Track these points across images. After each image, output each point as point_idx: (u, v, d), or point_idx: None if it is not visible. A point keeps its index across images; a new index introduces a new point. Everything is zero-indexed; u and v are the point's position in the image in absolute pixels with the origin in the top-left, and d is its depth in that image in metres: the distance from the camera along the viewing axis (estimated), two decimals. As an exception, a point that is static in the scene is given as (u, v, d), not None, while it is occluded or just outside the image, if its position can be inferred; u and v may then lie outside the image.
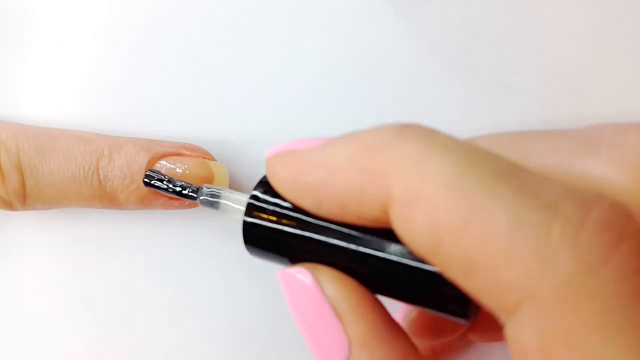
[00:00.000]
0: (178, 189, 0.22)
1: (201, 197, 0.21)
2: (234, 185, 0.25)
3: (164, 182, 0.23)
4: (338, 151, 0.15)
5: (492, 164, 0.13)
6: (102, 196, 0.23)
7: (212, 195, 0.21)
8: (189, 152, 0.24)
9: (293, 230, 0.16)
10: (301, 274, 0.16)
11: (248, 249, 0.18)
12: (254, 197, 0.17)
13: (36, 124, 0.25)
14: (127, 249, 0.26)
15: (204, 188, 0.21)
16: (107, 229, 0.26)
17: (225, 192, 0.20)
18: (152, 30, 0.25)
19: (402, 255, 0.15)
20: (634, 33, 0.25)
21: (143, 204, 0.24)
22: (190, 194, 0.22)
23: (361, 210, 0.15)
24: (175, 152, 0.23)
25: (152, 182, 0.23)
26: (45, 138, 0.23)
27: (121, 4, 0.25)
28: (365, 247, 0.15)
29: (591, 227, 0.12)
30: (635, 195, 0.14)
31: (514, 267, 0.12)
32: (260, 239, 0.17)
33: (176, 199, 0.23)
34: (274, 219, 0.17)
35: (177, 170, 0.23)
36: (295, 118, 0.26)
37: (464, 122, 0.25)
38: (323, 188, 0.15)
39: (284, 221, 0.17)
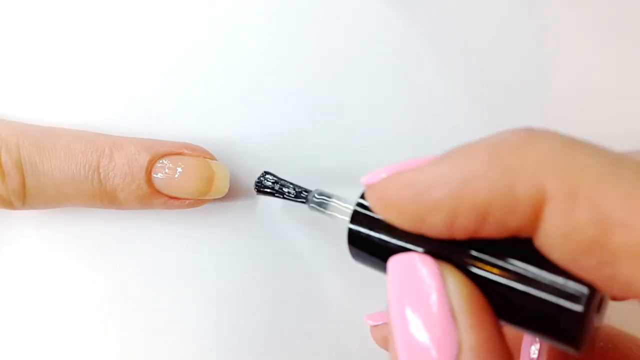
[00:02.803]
0: (291, 193, 0.23)
1: (311, 205, 0.22)
2: (234, 185, 0.25)
3: (277, 187, 0.24)
4: (470, 158, 0.14)
5: (635, 162, 0.13)
6: (102, 195, 0.23)
7: (321, 204, 0.22)
8: (190, 152, 0.24)
9: (399, 242, 0.16)
10: (427, 264, 0.15)
11: (352, 254, 0.18)
12: (360, 204, 0.17)
13: (37, 124, 0.24)
14: (127, 249, 0.26)
15: (315, 195, 0.22)
16: (108, 229, 0.26)
17: (334, 201, 0.21)
18: (153, 31, 0.25)
19: (525, 280, 0.14)
20: (635, 34, 0.25)
21: (143, 203, 0.23)
22: (300, 200, 0.23)
23: (507, 217, 0.14)
24: (176, 151, 0.23)
25: (264, 188, 0.24)
26: (47, 136, 0.23)
27: (123, 4, 0.25)
28: (488, 265, 0.15)
29: None
30: None
31: None
32: (363, 246, 0.17)
33: (175, 198, 0.24)
34: (380, 229, 0.16)
35: (178, 169, 0.23)
36: (295, 118, 0.26)
37: (464, 122, 0.25)
38: (460, 198, 0.14)
39: (391, 232, 0.16)
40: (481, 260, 0.15)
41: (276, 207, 0.26)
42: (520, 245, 0.14)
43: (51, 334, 0.27)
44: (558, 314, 0.14)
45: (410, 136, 0.26)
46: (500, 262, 0.15)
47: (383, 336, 0.24)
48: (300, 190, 0.23)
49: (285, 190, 0.24)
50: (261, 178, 0.24)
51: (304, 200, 0.23)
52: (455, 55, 0.25)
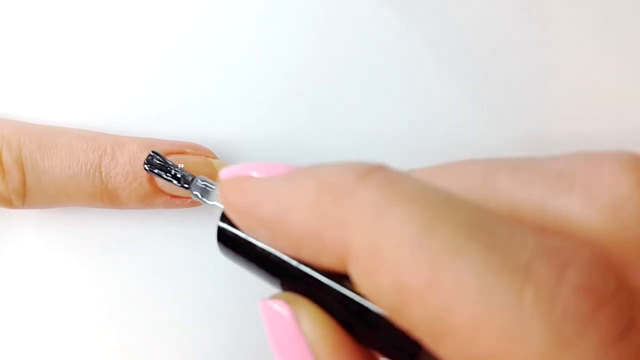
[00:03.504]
0: (173, 176, 0.22)
1: (194, 192, 0.21)
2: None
3: (164, 167, 0.22)
4: (298, 187, 0.14)
5: (461, 216, 0.12)
6: (103, 194, 0.23)
7: (204, 190, 0.21)
8: (192, 151, 0.24)
9: (260, 247, 0.16)
10: (280, 307, 0.15)
11: (221, 251, 0.17)
12: None
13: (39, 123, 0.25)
14: (127, 249, 0.26)
15: (199, 180, 0.21)
16: (108, 229, 0.26)
17: (217, 189, 0.20)
18: (153, 31, 0.25)
19: (353, 304, 0.14)
20: (635, 34, 0.25)
21: (144, 202, 0.23)
22: (183, 184, 0.22)
23: (317, 256, 0.14)
24: (178, 150, 0.23)
25: (153, 167, 0.23)
26: (48, 135, 0.23)
27: (123, 4, 0.25)
28: (321, 289, 0.14)
29: (567, 293, 0.11)
30: (608, 236, 0.13)
31: (484, 338, 0.11)
32: (232, 245, 0.17)
33: (177, 196, 0.23)
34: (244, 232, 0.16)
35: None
36: (295, 118, 0.26)
37: (464, 122, 0.25)
38: (278, 224, 0.14)
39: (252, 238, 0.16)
40: (326, 289, 0.14)
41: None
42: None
43: (51, 334, 0.27)
44: (398, 340, 0.13)
45: (410, 136, 0.26)
46: (343, 291, 0.14)
47: None
48: (185, 174, 0.22)
49: (172, 172, 0.22)
50: (149, 158, 0.23)
51: (187, 186, 0.22)
52: (455, 55, 0.25)
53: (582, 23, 0.25)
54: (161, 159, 0.23)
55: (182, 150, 0.24)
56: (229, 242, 0.16)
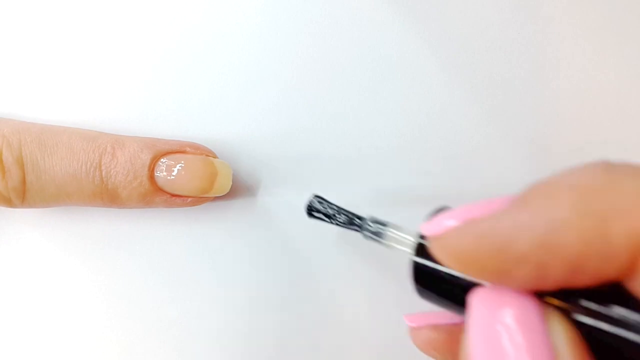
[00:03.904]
0: (339, 220, 0.22)
1: (366, 233, 0.21)
2: (234, 184, 0.25)
3: (329, 213, 0.22)
4: (554, 204, 0.13)
5: None
6: (103, 193, 0.23)
7: (376, 233, 0.20)
8: (192, 150, 0.24)
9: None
10: (530, 304, 0.14)
11: (418, 290, 0.16)
12: (424, 237, 0.16)
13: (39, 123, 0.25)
14: (127, 249, 0.26)
15: (369, 222, 0.20)
16: (108, 228, 0.26)
17: (390, 229, 0.20)
18: (153, 31, 0.25)
19: (628, 326, 0.13)
20: (635, 34, 0.25)
21: (144, 201, 0.23)
22: (352, 227, 0.21)
23: (603, 266, 0.13)
24: (178, 149, 0.23)
25: (316, 211, 0.23)
26: (49, 134, 0.23)
27: (123, 4, 0.25)
28: (587, 310, 0.14)
29: None
30: None
31: None
32: (432, 281, 0.15)
33: (177, 195, 0.23)
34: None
35: (180, 167, 0.23)
36: (295, 117, 0.26)
37: (464, 122, 0.25)
38: (548, 252, 0.13)
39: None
40: (578, 305, 0.14)
41: (276, 206, 0.26)
42: (613, 289, 0.13)
43: (51, 333, 0.27)
44: None
45: (409, 136, 0.26)
46: (600, 308, 0.13)
47: (425, 340, 0.21)
48: (352, 217, 0.22)
49: (337, 216, 0.22)
50: (312, 201, 0.23)
51: (357, 229, 0.21)
52: (456, 55, 0.25)
53: (582, 23, 0.25)
54: (324, 201, 0.22)
55: (182, 149, 0.23)
56: (429, 278, 0.15)
